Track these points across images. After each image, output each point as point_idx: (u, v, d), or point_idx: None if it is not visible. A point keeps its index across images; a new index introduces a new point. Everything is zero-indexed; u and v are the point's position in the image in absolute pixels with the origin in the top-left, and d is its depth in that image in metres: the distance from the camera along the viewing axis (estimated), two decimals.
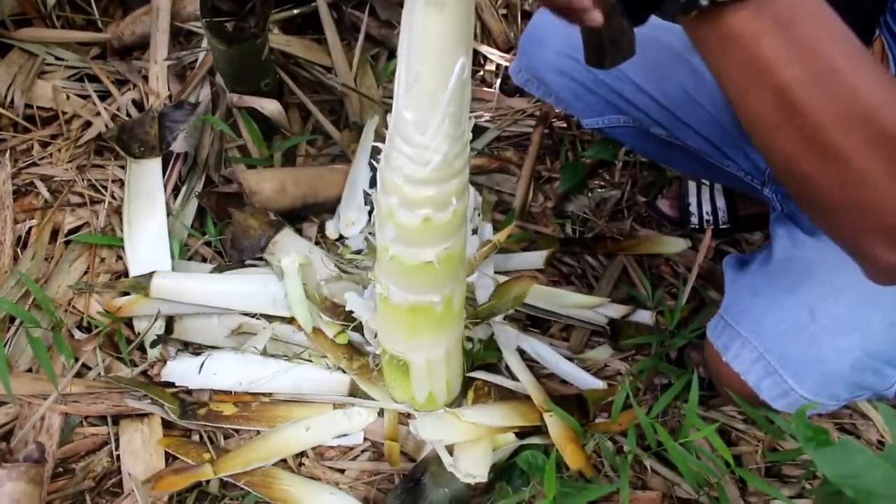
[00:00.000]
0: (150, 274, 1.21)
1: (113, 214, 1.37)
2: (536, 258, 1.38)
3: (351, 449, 1.16)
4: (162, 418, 1.15)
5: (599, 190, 1.56)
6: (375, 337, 1.10)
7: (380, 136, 1.17)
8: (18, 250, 1.32)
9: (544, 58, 1.16)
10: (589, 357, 1.28)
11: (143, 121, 1.42)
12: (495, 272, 1.31)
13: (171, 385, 1.17)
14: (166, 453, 1.12)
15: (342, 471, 1.14)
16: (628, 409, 1.13)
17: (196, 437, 1.15)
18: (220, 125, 1.43)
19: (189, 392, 1.19)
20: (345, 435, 1.15)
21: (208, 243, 1.37)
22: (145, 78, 1.55)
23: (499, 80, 1.72)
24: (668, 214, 1.49)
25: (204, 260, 1.36)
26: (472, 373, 1.19)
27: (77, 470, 1.11)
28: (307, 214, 1.41)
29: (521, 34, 1.41)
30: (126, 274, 1.28)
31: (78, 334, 1.24)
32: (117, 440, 1.13)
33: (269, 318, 1.23)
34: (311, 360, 1.21)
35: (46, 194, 1.40)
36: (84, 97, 1.55)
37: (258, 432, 1.14)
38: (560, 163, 1.58)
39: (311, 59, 1.62)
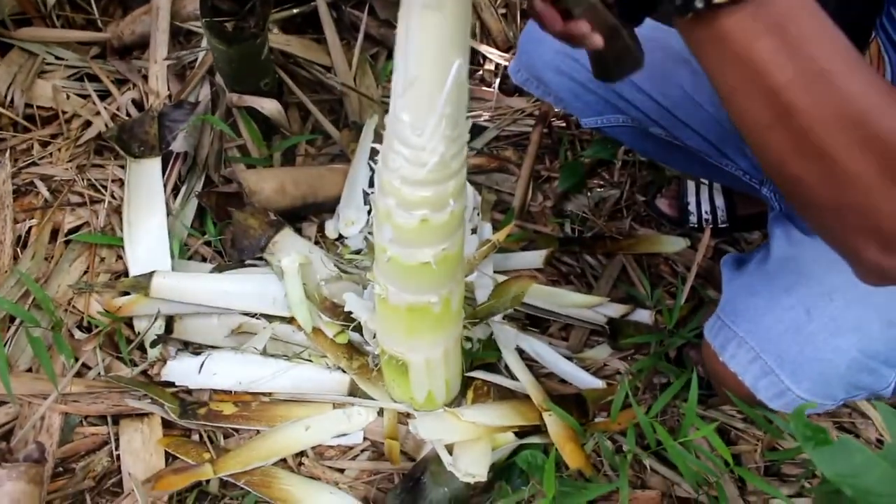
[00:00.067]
0: (150, 274, 1.21)
1: (113, 214, 1.37)
2: (536, 258, 1.38)
3: (350, 448, 1.16)
4: (162, 418, 1.15)
5: (598, 189, 1.56)
6: (375, 337, 1.10)
7: (379, 136, 1.17)
8: (18, 250, 1.32)
9: (543, 57, 1.16)
10: (588, 356, 1.28)
11: (142, 120, 1.42)
12: (494, 272, 1.31)
13: (171, 385, 1.17)
14: (166, 453, 1.12)
15: (342, 470, 1.14)
16: (627, 409, 1.13)
17: (196, 437, 1.15)
18: (220, 125, 1.43)
19: (189, 392, 1.19)
20: (344, 434, 1.15)
21: (208, 243, 1.37)
22: (145, 77, 1.55)
23: (498, 80, 1.72)
24: (667, 214, 1.49)
25: (204, 260, 1.36)
26: (471, 372, 1.19)
27: (77, 469, 1.11)
28: (307, 214, 1.41)
29: (520, 33, 1.41)
30: (126, 273, 1.28)
31: (78, 334, 1.24)
32: (117, 440, 1.13)
33: (269, 317, 1.23)
34: (310, 360, 1.21)
35: (46, 194, 1.40)
36: (84, 97, 1.55)
37: (258, 432, 1.15)
38: (559, 162, 1.58)
39: (310, 58, 1.62)
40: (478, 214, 1.39)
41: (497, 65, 1.74)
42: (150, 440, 1.13)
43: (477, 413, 1.11)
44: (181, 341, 1.24)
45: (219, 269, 1.30)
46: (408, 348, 1.00)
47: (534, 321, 1.32)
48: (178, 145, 1.40)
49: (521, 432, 1.13)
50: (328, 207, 1.41)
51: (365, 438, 1.17)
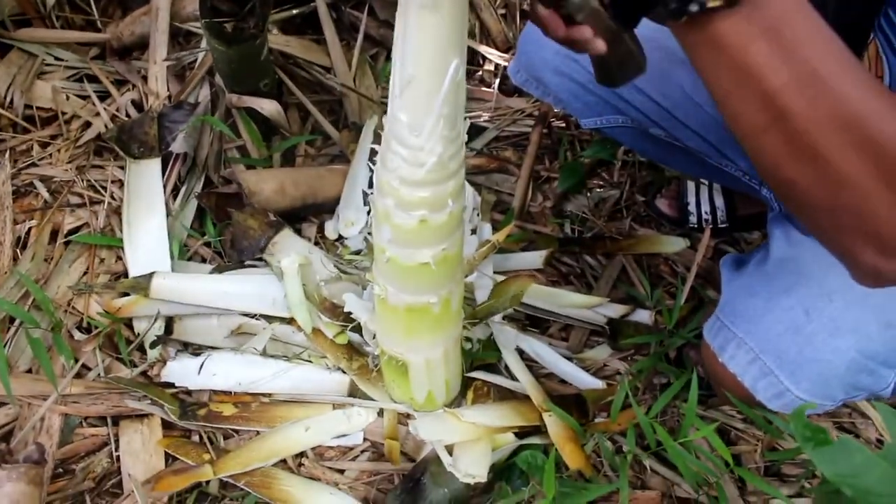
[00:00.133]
0: (150, 274, 1.21)
1: (112, 215, 1.37)
2: (535, 258, 1.38)
3: (350, 449, 1.16)
4: (162, 419, 1.15)
5: (598, 189, 1.56)
6: (374, 337, 1.10)
7: (379, 137, 1.17)
8: (18, 251, 1.32)
9: (543, 58, 1.16)
10: (588, 357, 1.28)
11: (142, 121, 1.42)
12: (494, 272, 1.31)
13: (171, 386, 1.17)
14: (166, 454, 1.12)
15: (342, 471, 1.14)
16: (627, 409, 1.13)
17: (196, 438, 1.15)
18: (220, 125, 1.43)
19: (189, 393, 1.19)
20: (344, 435, 1.15)
21: (208, 244, 1.37)
22: (144, 78, 1.55)
23: (497, 80, 1.72)
24: (666, 214, 1.49)
25: (203, 260, 1.36)
26: (471, 373, 1.19)
27: (77, 471, 1.11)
28: (306, 215, 1.41)
29: (519, 34, 1.41)
30: (126, 274, 1.28)
31: (78, 335, 1.24)
32: (117, 441, 1.13)
33: (269, 318, 1.23)
34: (310, 361, 1.21)
35: (46, 195, 1.40)
36: (83, 97, 1.55)
37: (258, 433, 1.15)
38: (559, 162, 1.58)
39: (310, 59, 1.62)
40: (477, 215, 1.39)
41: (496, 65, 1.74)
42: (149, 441, 1.13)
43: (477, 413, 1.11)
44: (181, 342, 1.24)
45: (218, 270, 1.30)
46: (407, 349, 1.00)
47: (534, 321, 1.32)
48: (177, 146, 1.40)
49: (521, 433, 1.13)
50: (328, 208, 1.41)
51: (365, 439, 1.17)
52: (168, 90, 1.53)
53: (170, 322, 1.23)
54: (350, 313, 1.16)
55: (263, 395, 1.18)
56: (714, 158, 1.13)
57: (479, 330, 1.23)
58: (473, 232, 1.34)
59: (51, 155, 1.46)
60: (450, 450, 1.08)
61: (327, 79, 1.60)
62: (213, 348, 1.22)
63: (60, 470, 1.11)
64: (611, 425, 1.14)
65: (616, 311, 1.30)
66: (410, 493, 1.05)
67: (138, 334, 1.22)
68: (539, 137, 1.56)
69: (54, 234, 1.35)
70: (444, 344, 1.01)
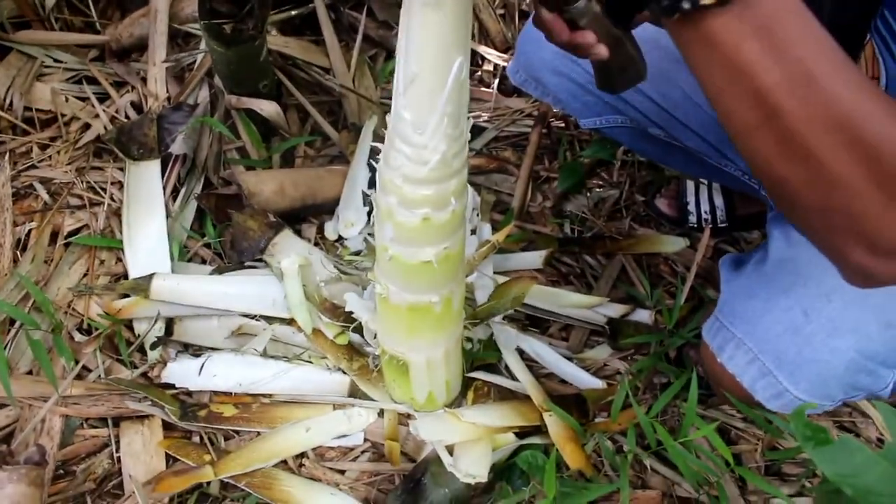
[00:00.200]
0: (150, 276, 1.21)
1: (112, 216, 1.37)
2: (535, 258, 1.38)
3: (351, 450, 1.16)
4: (162, 420, 1.15)
5: (598, 189, 1.56)
6: (375, 337, 1.10)
7: (378, 137, 1.18)
8: (18, 253, 1.32)
9: (542, 58, 1.16)
10: (588, 357, 1.28)
11: (141, 123, 1.42)
12: (494, 272, 1.31)
13: (172, 387, 1.17)
14: (167, 455, 1.12)
15: (342, 471, 1.14)
16: (628, 409, 1.13)
17: (196, 439, 1.15)
18: (219, 127, 1.43)
19: (189, 394, 1.19)
20: (345, 436, 1.15)
21: (208, 245, 1.37)
22: (144, 80, 1.56)
23: (497, 81, 1.73)
24: (666, 213, 1.49)
25: (203, 262, 1.36)
26: (471, 373, 1.19)
27: (78, 472, 1.11)
28: (306, 216, 1.41)
29: (518, 34, 1.41)
30: (126, 276, 1.28)
31: (78, 336, 1.24)
32: (118, 442, 1.13)
33: (269, 319, 1.23)
34: (310, 362, 1.21)
35: (46, 197, 1.40)
36: (83, 99, 1.55)
37: (258, 433, 1.15)
38: (558, 162, 1.58)
39: (309, 60, 1.62)
40: (477, 215, 1.39)
41: (496, 65, 1.75)
42: (150, 442, 1.13)
43: (477, 414, 1.12)
44: (181, 343, 1.24)
45: (218, 271, 1.30)
46: (409, 348, 1.01)
47: (534, 322, 1.32)
48: (177, 147, 1.40)
49: (522, 433, 1.13)
50: (327, 209, 1.41)
51: (365, 439, 1.17)
52: (167, 92, 1.53)
53: (170, 323, 1.23)
54: (350, 314, 1.16)
55: (264, 395, 1.18)
56: (713, 158, 1.13)
57: (480, 330, 1.23)
58: (473, 232, 1.34)
59: (50, 157, 1.46)
60: (450, 450, 1.08)
61: (326, 80, 1.60)
62: (213, 349, 1.22)
63: (61, 471, 1.11)
64: (611, 425, 1.14)
65: (616, 310, 1.31)
66: (411, 493, 1.06)
67: (138, 336, 1.22)
68: (538, 137, 1.56)
69: (54, 236, 1.35)
70: (445, 343, 1.01)
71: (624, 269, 1.41)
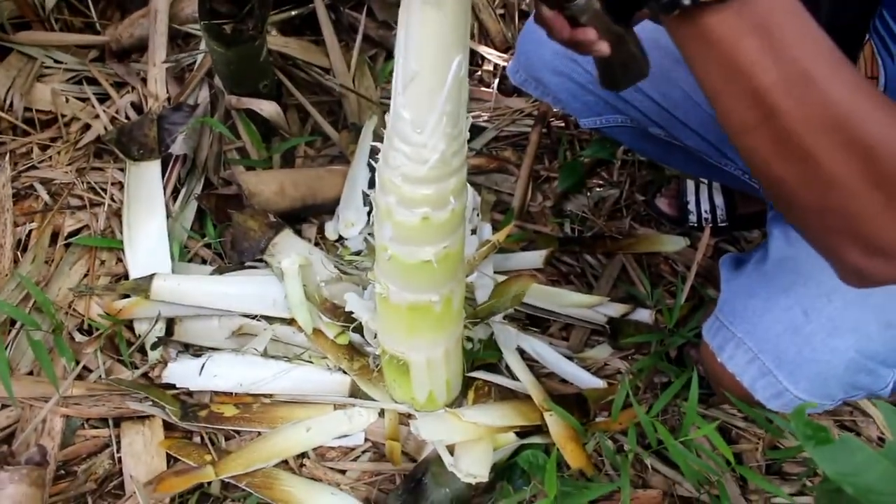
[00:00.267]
0: (151, 276, 1.21)
1: (112, 217, 1.38)
2: (536, 258, 1.38)
3: (352, 450, 1.16)
4: (163, 420, 1.15)
5: (598, 189, 1.56)
6: (375, 337, 1.10)
7: (378, 137, 1.18)
8: (19, 253, 1.32)
9: (542, 58, 1.16)
10: (589, 356, 1.28)
11: (141, 123, 1.42)
12: (495, 272, 1.31)
13: (172, 387, 1.17)
14: (168, 455, 1.12)
15: (343, 471, 1.14)
16: (628, 408, 1.13)
17: (197, 439, 1.15)
18: (219, 127, 1.43)
19: (190, 394, 1.19)
20: (346, 435, 1.15)
21: (208, 245, 1.37)
22: (144, 80, 1.56)
23: (496, 80, 1.73)
24: (666, 213, 1.49)
25: (204, 262, 1.36)
26: (472, 373, 1.19)
27: (79, 472, 1.11)
28: (306, 216, 1.41)
29: (518, 34, 1.41)
30: (126, 276, 1.29)
31: (79, 337, 1.24)
32: (119, 442, 1.13)
33: (270, 319, 1.23)
34: (311, 361, 1.21)
35: (46, 197, 1.40)
36: (83, 100, 1.55)
37: (259, 433, 1.15)
38: (558, 162, 1.58)
39: (309, 60, 1.62)
40: (477, 215, 1.39)
41: (495, 65, 1.75)
42: (151, 442, 1.13)
43: (478, 413, 1.12)
44: (182, 343, 1.24)
45: (219, 272, 1.30)
46: (409, 348, 1.01)
47: (534, 321, 1.32)
48: (177, 148, 1.40)
49: (523, 432, 1.13)
50: (328, 209, 1.41)
51: (366, 439, 1.17)
52: (167, 92, 1.53)
53: (170, 323, 1.24)
54: (350, 314, 1.16)
55: (264, 395, 1.18)
56: (713, 157, 1.13)
57: (480, 330, 1.23)
58: (473, 232, 1.34)
59: (51, 157, 1.47)
60: (451, 450, 1.08)
61: (326, 80, 1.60)
62: (213, 349, 1.22)
63: (62, 471, 1.11)
64: (612, 424, 1.14)
65: (616, 310, 1.31)
66: (412, 493, 1.06)
67: (139, 336, 1.23)
68: (538, 137, 1.56)
69: (55, 237, 1.35)
70: (445, 343, 1.01)
71: (624, 268, 1.41)
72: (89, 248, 1.33)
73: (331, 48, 1.63)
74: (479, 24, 1.79)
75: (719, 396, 0.99)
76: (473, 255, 1.27)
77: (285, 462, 1.12)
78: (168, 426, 1.15)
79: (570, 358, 1.26)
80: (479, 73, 1.75)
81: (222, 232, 1.36)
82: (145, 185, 1.36)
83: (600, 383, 1.22)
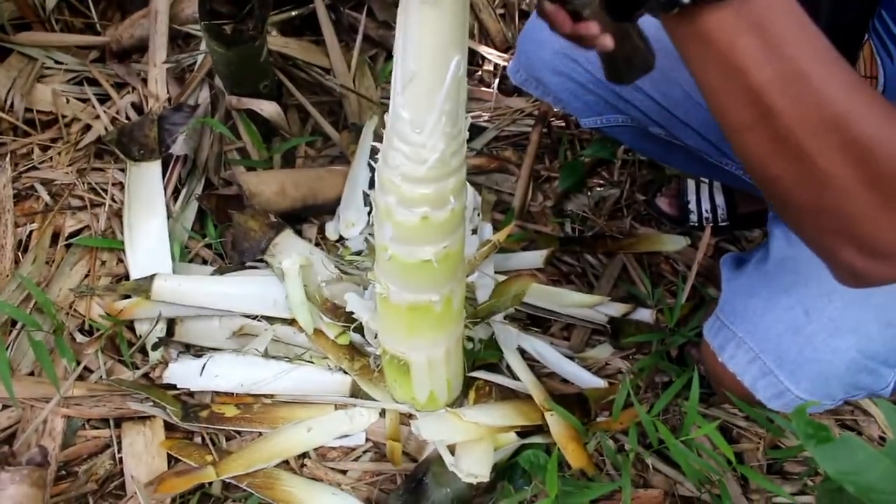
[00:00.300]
0: (151, 277, 1.21)
1: (113, 217, 1.38)
2: (536, 257, 1.38)
3: (353, 450, 1.16)
4: (164, 421, 1.15)
5: (599, 189, 1.56)
6: (376, 337, 1.10)
7: (379, 137, 1.18)
8: (19, 254, 1.32)
9: (542, 57, 1.16)
10: (590, 356, 1.28)
11: (142, 124, 1.42)
12: (495, 272, 1.31)
13: (173, 387, 1.17)
14: (168, 456, 1.12)
15: (344, 471, 1.14)
16: (629, 408, 1.13)
17: (198, 440, 1.15)
18: (220, 127, 1.43)
19: (191, 394, 1.19)
20: (346, 436, 1.15)
21: (209, 245, 1.37)
22: (144, 81, 1.56)
23: (497, 80, 1.73)
24: (667, 212, 1.49)
25: (204, 262, 1.36)
26: (473, 372, 1.19)
27: (80, 473, 1.11)
28: (307, 216, 1.42)
29: (518, 34, 1.41)
30: (127, 277, 1.29)
31: (79, 337, 1.24)
32: (119, 443, 1.13)
33: (271, 319, 1.23)
34: (312, 362, 1.21)
35: (47, 198, 1.40)
36: (83, 100, 1.55)
37: (260, 434, 1.15)
38: (559, 162, 1.58)
39: (309, 60, 1.62)
40: (478, 215, 1.39)
41: (496, 65, 1.75)
42: (152, 443, 1.13)
43: (479, 413, 1.12)
44: (183, 344, 1.24)
45: (220, 272, 1.30)
46: (409, 347, 1.01)
47: (535, 321, 1.32)
48: (177, 148, 1.40)
49: (524, 432, 1.13)
50: (328, 209, 1.41)
51: (367, 439, 1.17)
52: (168, 92, 1.53)
53: (171, 324, 1.24)
54: (351, 314, 1.16)
55: (265, 396, 1.18)
56: (714, 157, 1.13)
57: (481, 329, 1.23)
58: (474, 232, 1.34)
59: (51, 158, 1.47)
60: (452, 450, 1.08)
61: (327, 80, 1.60)
62: (214, 350, 1.22)
63: (63, 472, 1.11)
64: (613, 424, 1.14)
65: (617, 309, 1.30)
66: (413, 493, 1.05)
67: (140, 336, 1.23)
68: (539, 137, 1.56)
69: (55, 237, 1.35)
70: (446, 343, 1.01)
71: (625, 268, 1.41)
72: (90, 249, 1.33)
73: (331, 48, 1.63)
74: (480, 24, 1.79)
75: (720, 396, 0.99)
76: (474, 254, 1.27)
77: (286, 462, 1.12)
78: (169, 427, 1.15)
79: (570, 358, 1.26)
80: (480, 72, 1.75)
81: (223, 232, 1.36)
82: (146, 186, 1.36)
83: (601, 383, 1.22)
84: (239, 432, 1.16)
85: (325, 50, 1.64)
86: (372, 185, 1.38)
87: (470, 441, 1.08)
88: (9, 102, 1.51)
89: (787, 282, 0.88)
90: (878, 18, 0.74)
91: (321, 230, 1.40)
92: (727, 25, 0.51)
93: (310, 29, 1.69)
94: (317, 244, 1.37)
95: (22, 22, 1.60)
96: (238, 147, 1.49)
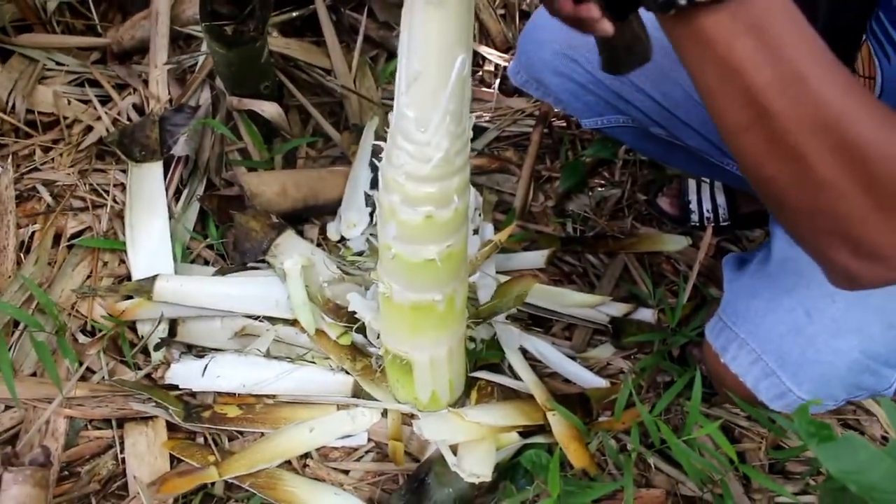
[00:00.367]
0: (153, 277, 1.21)
1: (115, 218, 1.38)
2: (538, 257, 1.38)
3: (355, 450, 1.16)
4: (166, 421, 1.15)
5: (600, 189, 1.56)
6: (378, 337, 1.10)
7: (380, 138, 1.18)
8: (22, 255, 1.33)
9: (542, 58, 1.16)
10: (591, 356, 1.28)
11: (143, 125, 1.42)
12: (497, 272, 1.31)
13: (175, 388, 1.17)
14: (171, 456, 1.12)
15: (346, 472, 1.14)
16: (631, 408, 1.13)
17: (200, 440, 1.15)
18: (221, 128, 1.43)
19: (193, 395, 1.19)
20: (349, 436, 1.15)
21: (210, 246, 1.37)
22: (145, 82, 1.56)
23: (498, 81, 1.73)
24: (668, 212, 1.49)
25: (206, 263, 1.36)
26: (475, 373, 1.19)
27: (82, 473, 1.11)
28: (308, 216, 1.42)
29: (519, 34, 1.41)
30: (129, 278, 1.29)
31: (82, 338, 1.24)
32: (122, 443, 1.13)
33: (272, 320, 1.23)
34: (314, 362, 1.21)
35: (49, 199, 1.40)
36: (85, 102, 1.56)
37: (262, 434, 1.15)
38: (560, 162, 1.58)
39: (310, 61, 1.62)
40: (479, 215, 1.39)
41: (496, 65, 1.75)
42: (154, 443, 1.13)
43: (481, 413, 1.12)
44: (185, 344, 1.24)
45: (221, 272, 1.30)
46: (412, 347, 1.01)
47: (537, 321, 1.32)
48: (179, 149, 1.40)
49: (526, 432, 1.13)
50: (330, 209, 1.41)
51: (369, 440, 1.17)
52: (169, 94, 1.53)
53: (173, 324, 1.24)
54: (353, 314, 1.16)
55: (267, 396, 1.18)
56: (715, 157, 1.13)
57: (483, 330, 1.23)
58: (476, 232, 1.34)
59: (53, 159, 1.47)
60: (454, 449, 1.08)
61: (328, 81, 1.60)
62: (216, 350, 1.22)
63: (66, 472, 1.11)
64: (615, 424, 1.14)
65: (619, 309, 1.31)
66: (415, 493, 1.06)
67: (142, 337, 1.23)
68: (540, 137, 1.56)
69: (57, 238, 1.35)
70: (448, 342, 1.01)
71: (626, 268, 1.41)
72: (92, 250, 1.34)
73: (332, 49, 1.63)
74: (480, 25, 1.79)
75: (722, 396, 0.99)
76: (476, 255, 1.27)
77: (288, 462, 1.12)
78: (171, 427, 1.15)
79: (572, 357, 1.26)
80: (481, 73, 1.75)
81: (224, 233, 1.36)
82: (147, 187, 1.36)
83: (603, 383, 1.22)
84: (241, 433, 1.16)
85: (325, 51, 1.64)
86: (373, 185, 1.39)
87: (472, 441, 1.09)
88: (10, 104, 1.51)
89: (788, 283, 0.88)
90: (876, 20, 0.75)
91: (322, 231, 1.40)
92: (724, 27, 0.51)
93: (310, 30, 1.69)
94: (318, 245, 1.37)
95: (23, 24, 1.60)
96: (239, 148, 1.49)
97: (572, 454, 1.08)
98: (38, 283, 1.26)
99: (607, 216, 1.50)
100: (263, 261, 1.29)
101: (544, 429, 1.13)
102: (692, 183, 1.48)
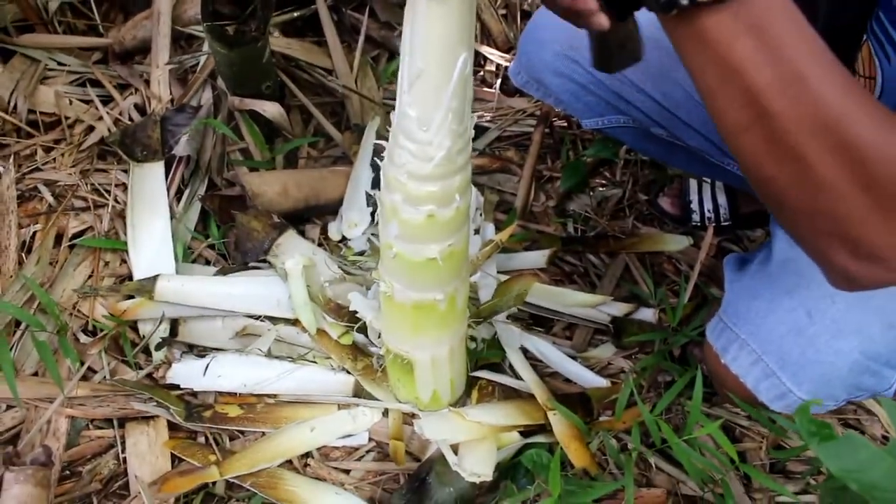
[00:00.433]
0: (155, 277, 1.21)
1: (116, 218, 1.38)
2: (539, 257, 1.38)
3: (356, 449, 1.16)
4: (167, 420, 1.15)
5: (601, 188, 1.56)
6: (379, 337, 1.10)
7: (381, 138, 1.18)
8: (23, 255, 1.33)
9: (543, 59, 1.17)
10: (592, 355, 1.28)
11: (145, 125, 1.43)
12: (498, 272, 1.31)
13: (177, 387, 1.17)
14: (172, 455, 1.12)
15: (347, 471, 1.14)
16: (632, 407, 1.13)
17: (202, 439, 1.15)
18: (222, 128, 1.44)
19: (194, 394, 1.19)
20: (350, 435, 1.15)
21: (212, 246, 1.37)
22: (147, 82, 1.56)
23: (499, 81, 1.73)
24: (669, 212, 1.49)
25: (207, 263, 1.36)
26: (475, 372, 1.19)
27: (84, 473, 1.11)
28: (310, 216, 1.42)
29: (520, 34, 1.41)
30: (130, 277, 1.29)
31: (83, 338, 1.24)
32: (123, 443, 1.13)
33: (274, 319, 1.23)
34: (315, 362, 1.21)
35: (50, 199, 1.40)
36: (86, 102, 1.56)
37: (263, 433, 1.15)
38: (561, 162, 1.58)
39: (311, 61, 1.62)
40: (480, 215, 1.39)
41: (498, 65, 1.75)
42: (155, 443, 1.13)
43: (482, 413, 1.12)
44: (186, 344, 1.24)
45: (223, 272, 1.30)
46: (413, 346, 1.01)
47: (538, 321, 1.32)
48: (180, 149, 1.40)
49: (526, 432, 1.13)
50: (331, 209, 1.41)
51: (370, 439, 1.17)
52: (170, 94, 1.53)
53: (175, 324, 1.24)
54: (354, 314, 1.16)
55: (269, 395, 1.18)
56: (716, 157, 1.13)
57: (484, 329, 1.23)
58: (476, 232, 1.34)
59: (54, 159, 1.47)
60: (455, 449, 1.08)
61: (329, 81, 1.61)
62: (218, 350, 1.22)
63: (67, 472, 1.11)
64: (616, 423, 1.14)
65: (620, 309, 1.31)
66: (416, 492, 1.06)
67: (143, 337, 1.23)
68: (541, 137, 1.56)
69: (59, 238, 1.36)
70: (449, 342, 1.01)
71: (627, 267, 1.41)
72: (93, 250, 1.34)
73: (333, 49, 1.63)
74: (482, 25, 1.79)
75: (723, 396, 0.99)
76: (477, 254, 1.28)
77: (289, 462, 1.13)
78: (172, 426, 1.15)
79: (573, 357, 1.26)
80: (482, 73, 1.75)
81: (226, 233, 1.36)
82: (149, 187, 1.36)
83: (604, 382, 1.22)
84: (242, 432, 1.16)
85: (327, 51, 1.64)
86: (374, 185, 1.39)
87: (473, 440, 1.09)
88: (12, 104, 1.51)
89: (789, 283, 0.88)
90: (876, 20, 0.75)
91: (324, 230, 1.40)
92: (725, 27, 0.51)
93: (312, 30, 1.69)
94: (319, 244, 1.37)
95: (25, 24, 1.60)
96: (241, 148, 1.49)
97: (573, 454, 1.08)
98: (39, 282, 1.26)
99: (608, 216, 1.50)
100: (265, 261, 1.29)
101: (545, 428, 1.13)
102: (693, 183, 1.48)
